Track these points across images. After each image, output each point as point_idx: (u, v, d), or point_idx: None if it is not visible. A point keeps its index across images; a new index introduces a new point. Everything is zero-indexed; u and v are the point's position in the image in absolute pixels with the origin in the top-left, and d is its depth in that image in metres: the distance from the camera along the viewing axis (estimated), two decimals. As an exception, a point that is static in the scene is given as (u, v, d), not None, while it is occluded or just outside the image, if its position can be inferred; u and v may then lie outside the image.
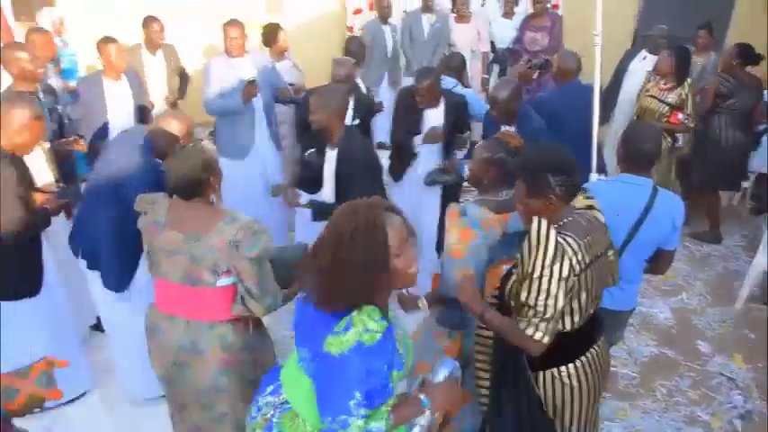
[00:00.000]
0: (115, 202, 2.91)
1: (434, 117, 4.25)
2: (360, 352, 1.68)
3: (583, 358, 2.25)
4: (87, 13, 6.68)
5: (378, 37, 6.43)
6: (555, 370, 2.23)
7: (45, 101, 4.10)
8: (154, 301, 2.61)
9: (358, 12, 7.50)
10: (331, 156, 3.56)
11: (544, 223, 2.05)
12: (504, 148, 2.82)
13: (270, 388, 2.01)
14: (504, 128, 3.82)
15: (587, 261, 2.12)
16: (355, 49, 5.24)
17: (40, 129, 3.06)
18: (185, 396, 2.59)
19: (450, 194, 4.31)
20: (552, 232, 2.04)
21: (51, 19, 6.08)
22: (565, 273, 2.03)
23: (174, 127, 3.00)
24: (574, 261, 2.05)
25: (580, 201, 2.34)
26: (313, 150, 4.17)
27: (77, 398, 3.47)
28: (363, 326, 1.70)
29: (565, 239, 2.07)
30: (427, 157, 4.34)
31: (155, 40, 5.40)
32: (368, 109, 4.57)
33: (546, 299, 2.03)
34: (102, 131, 4.63)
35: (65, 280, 3.38)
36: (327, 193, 3.68)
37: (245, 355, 2.54)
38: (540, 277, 2.03)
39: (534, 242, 2.04)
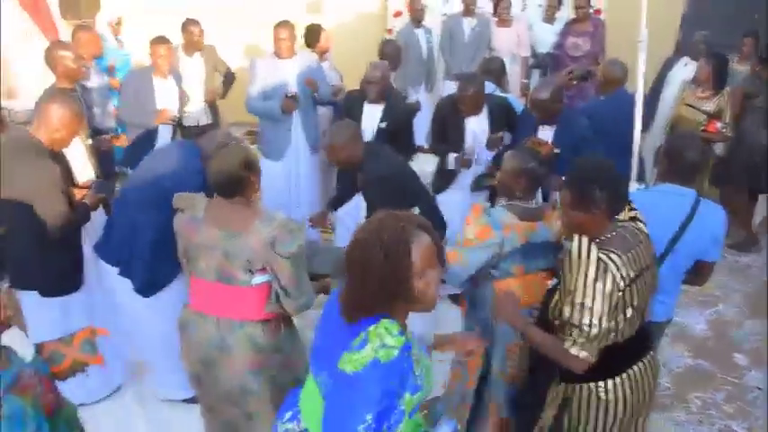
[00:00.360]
0: (157, 209, 2.87)
1: (477, 123, 4.20)
2: (375, 369, 1.56)
3: (623, 375, 2.19)
4: (142, 13, 6.86)
5: (411, 41, 6.45)
6: (592, 384, 2.18)
7: (85, 97, 4.22)
8: (188, 302, 2.62)
9: (398, 14, 7.53)
10: (359, 178, 3.55)
11: (585, 240, 2.03)
12: (534, 158, 2.83)
13: (288, 414, 1.90)
14: (539, 133, 3.81)
15: (632, 276, 2.07)
16: (390, 52, 5.24)
17: (77, 125, 3.11)
18: (215, 395, 2.59)
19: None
20: (594, 249, 2.02)
21: (109, 19, 6.22)
22: (608, 290, 1.99)
23: None
24: (618, 277, 2.01)
25: (624, 212, 2.31)
26: None
27: (112, 393, 3.51)
28: (380, 341, 1.59)
29: (608, 255, 2.03)
30: (474, 164, 4.26)
31: (193, 43, 5.42)
32: (403, 112, 4.48)
33: (590, 318, 2.00)
34: (153, 130, 4.73)
35: (102, 275, 3.38)
36: (362, 207, 3.71)
37: (275, 356, 2.53)
38: (583, 296, 2.00)
39: (575, 260, 2.02)
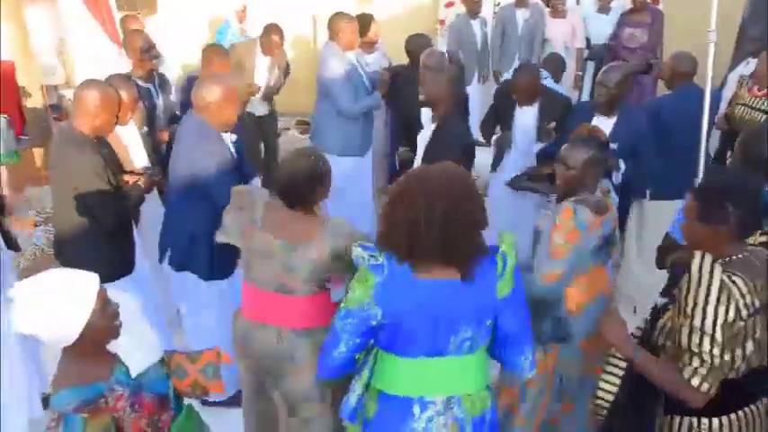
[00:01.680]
0: (203, 198, 2.93)
1: (528, 114, 4.13)
2: (519, 269, 1.93)
3: (733, 415, 1.99)
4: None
5: (466, 32, 6.37)
6: (695, 419, 1.99)
7: (145, 86, 4.23)
8: (239, 310, 2.55)
9: (450, 5, 7.44)
10: (424, 136, 3.52)
11: (708, 259, 1.85)
12: (597, 144, 2.72)
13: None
14: (594, 123, 3.65)
15: (756, 305, 1.88)
16: (416, 48, 4.74)
17: (113, 108, 3.05)
18: (275, 403, 2.53)
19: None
20: (717, 270, 1.83)
21: (234, 7, 6.30)
22: (731, 316, 1.81)
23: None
24: (741, 304, 1.83)
25: (755, 235, 2.14)
26: (406, 149, 4.19)
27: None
28: (512, 248, 1.89)
29: (731, 279, 1.84)
30: (521, 157, 4.19)
31: (272, 48, 5.48)
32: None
33: (712, 345, 1.82)
34: None
35: (153, 262, 3.46)
36: None
37: None
38: (703, 320, 1.82)
39: (695, 280, 1.83)
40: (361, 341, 1.94)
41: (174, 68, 6.14)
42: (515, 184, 4.06)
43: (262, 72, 5.59)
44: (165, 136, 4.15)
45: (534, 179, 4.00)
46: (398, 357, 1.95)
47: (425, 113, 4.07)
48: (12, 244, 3.24)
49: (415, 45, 4.72)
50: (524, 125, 4.16)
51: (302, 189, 2.36)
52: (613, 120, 3.66)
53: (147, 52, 4.17)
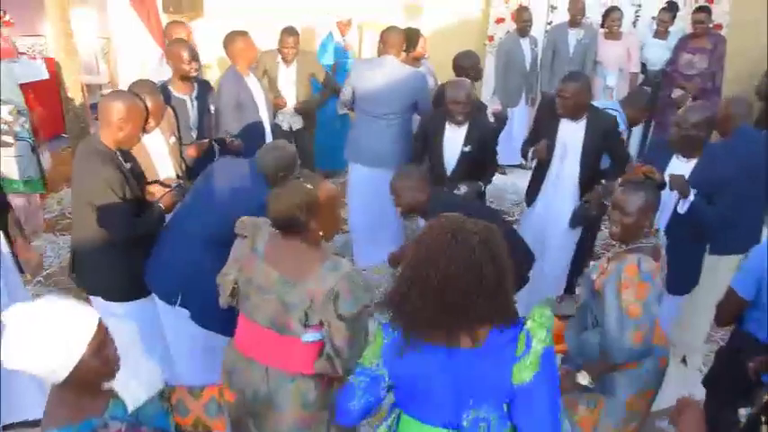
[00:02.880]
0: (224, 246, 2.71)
1: (571, 132, 3.80)
2: (550, 355, 1.64)
3: None
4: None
5: (515, 51, 6.14)
6: None
7: (181, 98, 4.08)
8: (233, 340, 2.41)
9: (500, 21, 7.20)
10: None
11: None
12: (653, 189, 2.56)
13: None
14: (673, 164, 3.32)
15: None
16: (466, 65, 4.60)
17: (139, 120, 2.93)
18: None
19: (592, 226, 3.97)
20: None
21: (339, 18, 6.12)
22: None
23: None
24: None
25: None
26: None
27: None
28: (542, 329, 1.63)
29: None
30: (564, 180, 3.92)
31: (287, 54, 5.31)
32: (488, 134, 4.12)
33: None
34: (261, 131, 4.49)
35: None
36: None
37: (324, 413, 2.32)
38: None
39: None
40: (374, 399, 1.80)
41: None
42: (574, 223, 3.88)
43: (287, 86, 5.43)
44: (193, 151, 3.96)
45: (586, 213, 3.83)
46: (417, 422, 1.77)
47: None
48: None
49: (464, 62, 4.55)
50: (564, 141, 3.85)
51: (289, 216, 2.20)
52: (693, 162, 3.26)
53: (188, 64, 3.98)
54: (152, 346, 3.11)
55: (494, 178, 4.32)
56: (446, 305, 1.57)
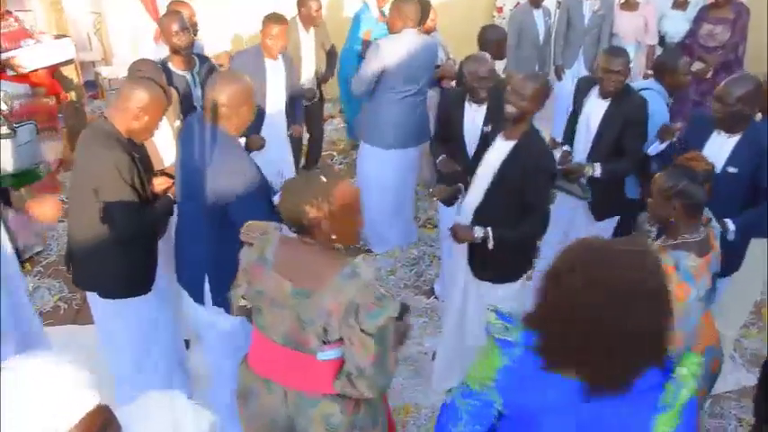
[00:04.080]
0: (220, 221, 2.50)
1: (595, 109, 3.55)
2: (692, 406, 1.42)
3: None
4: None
5: (527, 23, 5.84)
6: None
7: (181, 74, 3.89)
8: (246, 359, 2.19)
9: (510, -9, 6.96)
10: (501, 148, 3.00)
11: None
12: (688, 176, 2.39)
13: None
14: (712, 140, 3.12)
15: None
16: (493, 39, 4.37)
17: (159, 111, 2.76)
18: None
19: (625, 224, 3.72)
20: None
21: None
22: None
23: None
24: None
25: None
26: (444, 157, 3.78)
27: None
28: (693, 376, 1.41)
29: None
30: (581, 158, 3.66)
31: (312, 17, 5.10)
32: None
33: None
34: (259, 116, 4.23)
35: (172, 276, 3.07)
36: (471, 199, 3.15)
37: None
38: None
39: None
40: (482, 428, 1.56)
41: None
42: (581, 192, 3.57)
43: (308, 50, 5.21)
44: None
45: (570, 177, 3.50)
46: None
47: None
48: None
49: (491, 36, 4.32)
50: (587, 122, 3.62)
51: (302, 217, 1.94)
52: (736, 138, 3.04)
53: (177, 36, 3.75)
54: (148, 348, 2.94)
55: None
56: (613, 348, 1.34)
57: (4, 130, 3.50)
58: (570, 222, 3.78)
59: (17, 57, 4.65)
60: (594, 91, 3.60)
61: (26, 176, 3.93)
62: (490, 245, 2.87)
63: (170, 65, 3.84)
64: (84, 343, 3.52)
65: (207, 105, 2.56)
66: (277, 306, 1.99)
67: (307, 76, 5.19)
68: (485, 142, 3.66)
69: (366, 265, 1.94)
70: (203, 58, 4.09)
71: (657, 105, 3.60)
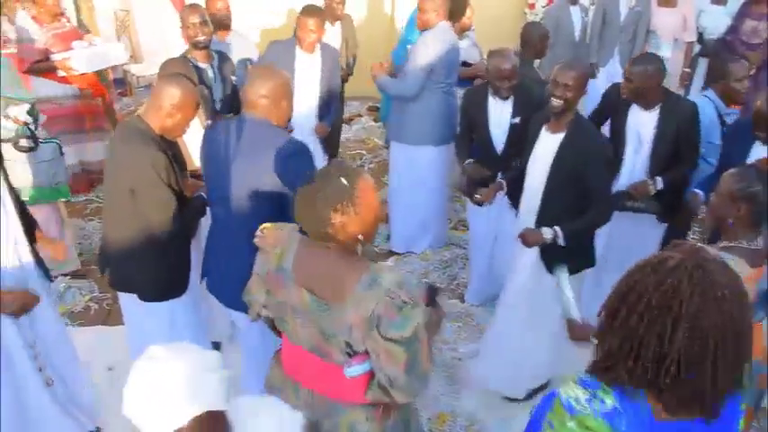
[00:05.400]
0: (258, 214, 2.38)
1: (643, 121, 3.43)
2: None
3: None
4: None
5: (563, 20, 5.70)
6: None
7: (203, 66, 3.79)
8: (279, 354, 2.11)
9: (543, -13, 6.82)
10: (549, 143, 2.94)
11: None
12: (762, 180, 2.26)
13: None
14: (755, 151, 3.03)
15: None
16: (534, 37, 4.15)
17: (192, 109, 2.72)
18: None
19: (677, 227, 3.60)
20: None
21: None
22: None
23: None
24: None
25: None
26: (471, 162, 3.71)
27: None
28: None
29: None
30: (640, 176, 3.51)
31: (335, 11, 5.06)
32: (537, 102, 3.60)
33: None
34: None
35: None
36: (529, 201, 3.10)
37: None
38: None
39: None
40: None
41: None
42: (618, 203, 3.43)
43: (332, 42, 5.06)
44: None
45: (639, 197, 3.43)
46: None
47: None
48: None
49: (534, 33, 4.18)
50: (637, 132, 3.47)
51: (326, 226, 1.77)
52: None
53: (194, 29, 3.68)
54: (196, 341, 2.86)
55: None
56: (716, 377, 1.18)
57: (24, 142, 3.43)
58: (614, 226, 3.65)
59: (69, 59, 4.60)
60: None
61: (45, 194, 3.84)
62: (561, 241, 2.88)
63: (190, 57, 3.76)
64: (114, 344, 3.48)
65: (248, 99, 2.52)
66: (299, 316, 1.89)
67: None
68: (515, 135, 3.61)
69: (387, 270, 1.82)
70: (220, 52, 3.99)
71: (706, 117, 3.47)
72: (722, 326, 1.15)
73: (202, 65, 3.78)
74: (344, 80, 5.36)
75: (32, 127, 3.47)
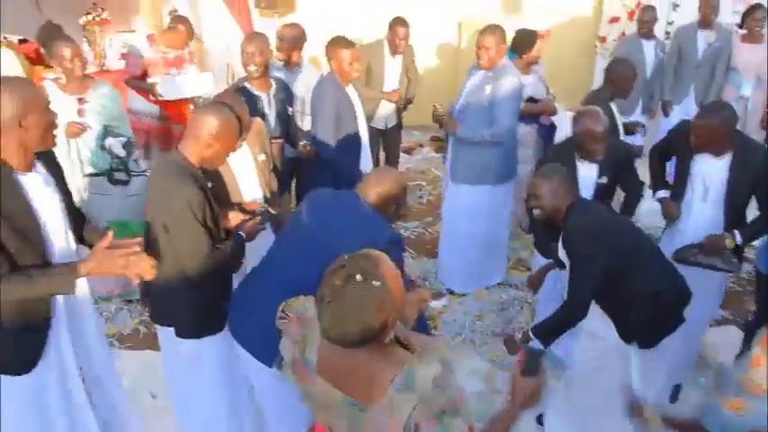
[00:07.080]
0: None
1: (712, 170, 3.21)
2: None
3: None
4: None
5: (635, 55, 5.45)
6: None
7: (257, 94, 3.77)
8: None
9: (615, 20, 6.57)
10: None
11: None
12: None
13: None
14: None
15: None
16: (621, 76, 3.94)
17: (233, 139, 2.62)
18: None
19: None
20: None
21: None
22: None
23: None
24: None
25: None
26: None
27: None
28: None
29: None
30: (708, 224, 3.28)
31: (397, 44, 5.03)
32: (624, 161, 3.49)
33: None
34: (359, 145, 4.07)
35: None
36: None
37: None
38: None
39: None
40: None
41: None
42: (682, 256, 3.22)
43: (392, 77, 5.15)
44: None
45: (710, 251, 3.19)
46: None
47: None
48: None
49: (618, 72, 4.00)
50: (703, 180, 3.27)
51: (364, 340, 1.54)
52: None
53: (248, 59, 3.69)
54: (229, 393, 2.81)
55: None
56: None
57: (118, 176, 3.44)
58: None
59: (158, 84, 4.70)
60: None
61: (132, 228, 3.72)
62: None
63: (247, 85, 3.75)
64: (161, 372, 3.43)
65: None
66: (329, 412, 1.72)
67: (386, 102, 5.15)
68: (600, 194, 3.40)
69: (423, 367, 1.60)
70: (279, 80, 3.95)
71: None
72: None
73: (259, 93, 3.75)
74: (403, 109, 5.33)
75: (126, 160, 3.49)
